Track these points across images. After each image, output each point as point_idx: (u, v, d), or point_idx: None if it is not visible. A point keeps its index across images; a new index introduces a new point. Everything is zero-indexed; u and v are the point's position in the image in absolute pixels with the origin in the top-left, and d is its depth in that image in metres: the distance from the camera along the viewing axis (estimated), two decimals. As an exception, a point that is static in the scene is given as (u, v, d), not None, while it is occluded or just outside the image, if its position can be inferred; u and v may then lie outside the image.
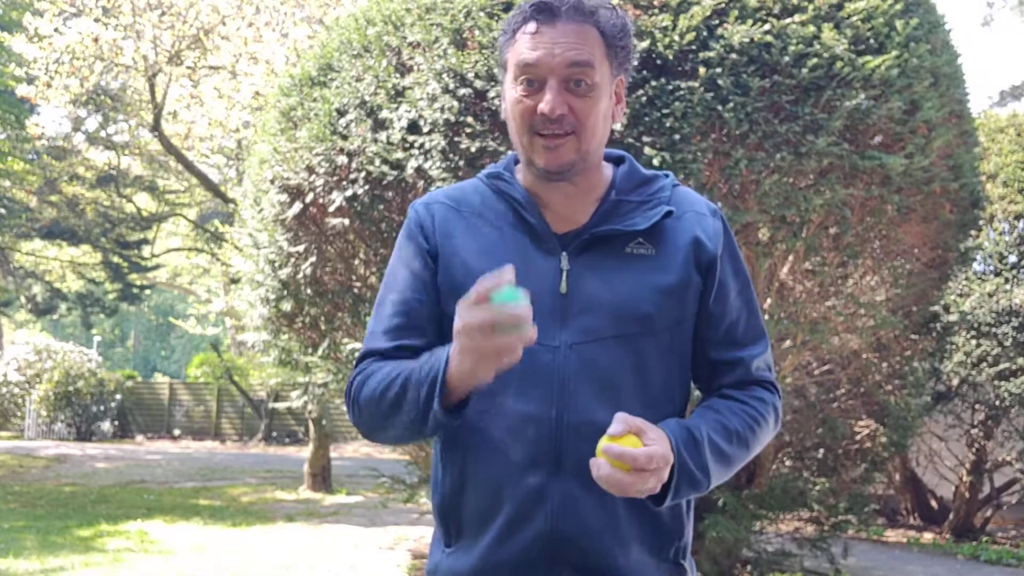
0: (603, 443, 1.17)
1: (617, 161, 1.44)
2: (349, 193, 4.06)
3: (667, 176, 1.43)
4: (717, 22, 3.55)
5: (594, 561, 1.29)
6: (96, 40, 10.00)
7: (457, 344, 1.16)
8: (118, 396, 20.25)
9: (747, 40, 3.47)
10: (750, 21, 3.51)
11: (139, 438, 20.71)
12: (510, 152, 1.46)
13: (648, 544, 1.32)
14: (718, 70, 3.48)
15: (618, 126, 3.51)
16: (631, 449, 1.16)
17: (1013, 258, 7.52)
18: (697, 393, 1.49)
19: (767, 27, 3.49)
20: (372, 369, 1.35)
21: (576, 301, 1.31)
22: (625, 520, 1.30)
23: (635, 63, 1.43)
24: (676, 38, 3.49)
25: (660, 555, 1.34)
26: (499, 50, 1.37)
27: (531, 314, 1.10)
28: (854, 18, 3.60)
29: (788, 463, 5.49)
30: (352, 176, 4.07)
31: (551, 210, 1.37)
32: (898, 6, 3.65)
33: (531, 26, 1.30)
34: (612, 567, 1.30)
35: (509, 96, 1.34)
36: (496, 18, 3.67)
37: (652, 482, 1.18)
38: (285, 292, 4.78)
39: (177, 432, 21.19)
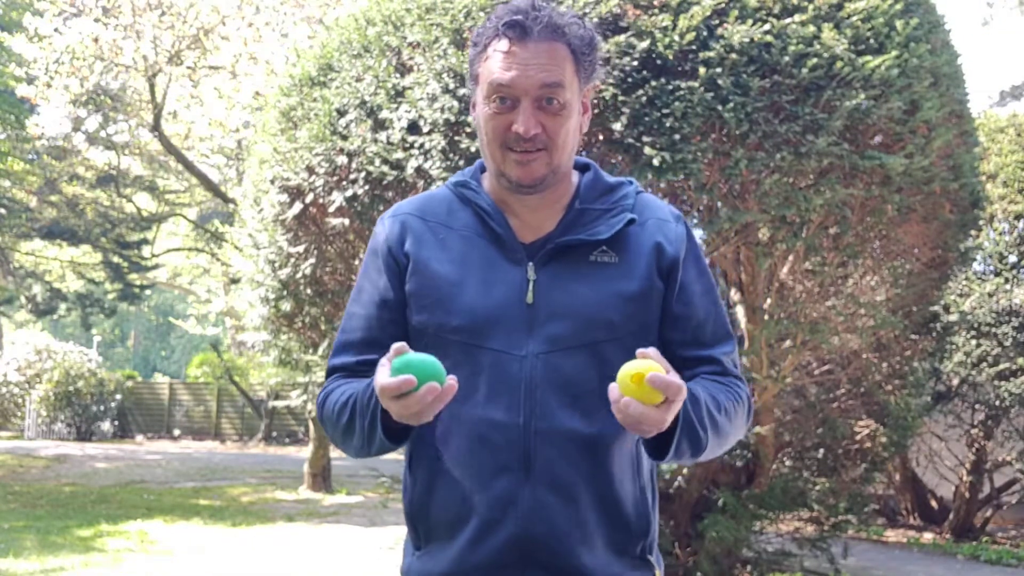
0: (641, 372, 1.16)
1: (583, 169, 1.46)
2: (349, 193, 4.06)
3: (631, 183, 1.46)
4: (717, 22, 3.55)
5: (562, 561, 1.32)
6: (96, 40, 10.01)
7: None
8: (118, 396, 20.26)
9: (747, 40, 3.47)
10: (750, 21, 3.51)
11: (139, 438, 20.71)
12: (477, 160, 1.48)
13: (614, 542, 1.35)
14: (718, 70, 3.48)
15: (618, 126, 3.51)
16: (674, 378, 1.16)
17: (1013, 258, 7.52)
18: None
19: (767, 27, 3.49)
20: (331, 388, 1.40)
21: (542, 310, 1.34)
22: (592, 521, 1.33)
23: (601, 74, 1.46)
24: (676, 38, 3.49)
25: (627, 552, 1.37)
26: (470, 60, 1.40)
27: (413, 385, 1.16)
28: (854, 18, 3.60)
29: (788, 463, 5.49)
30: (352, 176, 4.07)
31: (518, 219, 1.40)
32: (898, 6, 3.65)
33: (503, 44, 1.32)
34: (580, 566, 1.33)
35: (481, 110, 1.37)
36: (496, 18, 3.67)
37: (669, 417, 1.18)
38: (285, 292, 4.78)
39: (177, 432, 21.19)
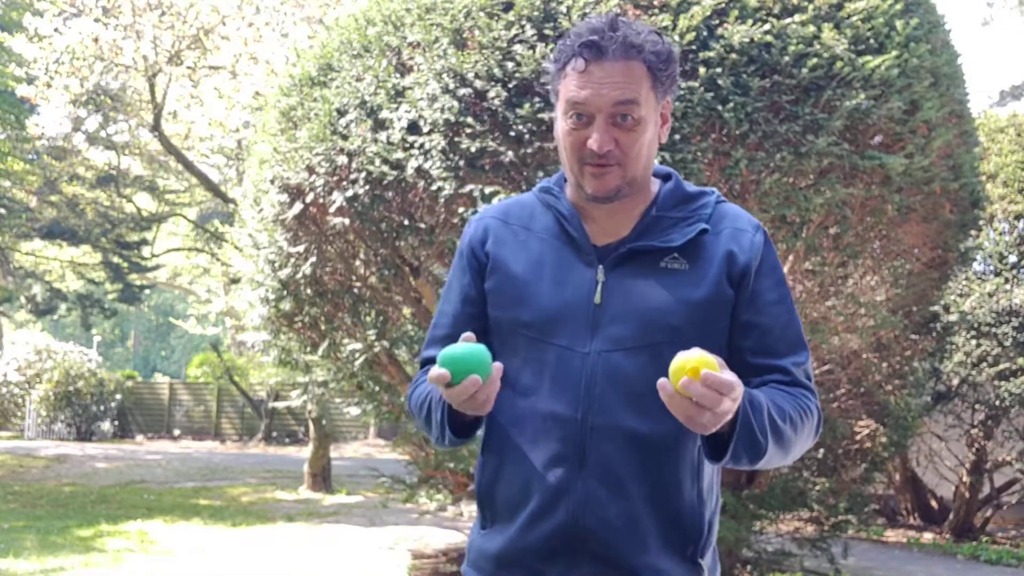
0: (696, 366, 1.16)
1: (665, 178, 1.52)
2: (349, 193, 4.06)
3: (713, 193, 1.50)
4: (717, 22, 3.55)
5: (613, 554, 1.36)
6: (96, 40, 10.00)
7: None
8: (118, 396, 20.24)
9: (747, 40, 3.47)
10: (750, 21, 3.51)
11: (139, 438, 20.70)
12: (561, 170, 1.54)
13: (667, 541, 1.38)
14: (718, 70, 3.48)
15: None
16: (730, 377, 1.17)
17: (1013, 258, 7.52)
18: None
19: (767, 27, 3.49)
20: (418, 382, 1.54)
21: (608, 311, 1.40)
22: (644, 518, 1.37)
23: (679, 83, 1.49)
24: (676, 38, 3.49)
25: (678, 553, 1.39)
26: (551, 77, 1.46)
27: (447, 379, 1.27)
28: (854, 18, 3.60)
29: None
30: (352, 176, 4.07)
31: (594, 223, 1.46)
32: (898, 6, 3.65)
33: (579, 64, 1.37)
34: (630, 561, 1.36)
35: (560, 126, 1.43)
36: (496, 18, 3.67)
37: (709, 417, 1.17)
38: (285, 292, 4.78)
39: (177, 432, 21.19)
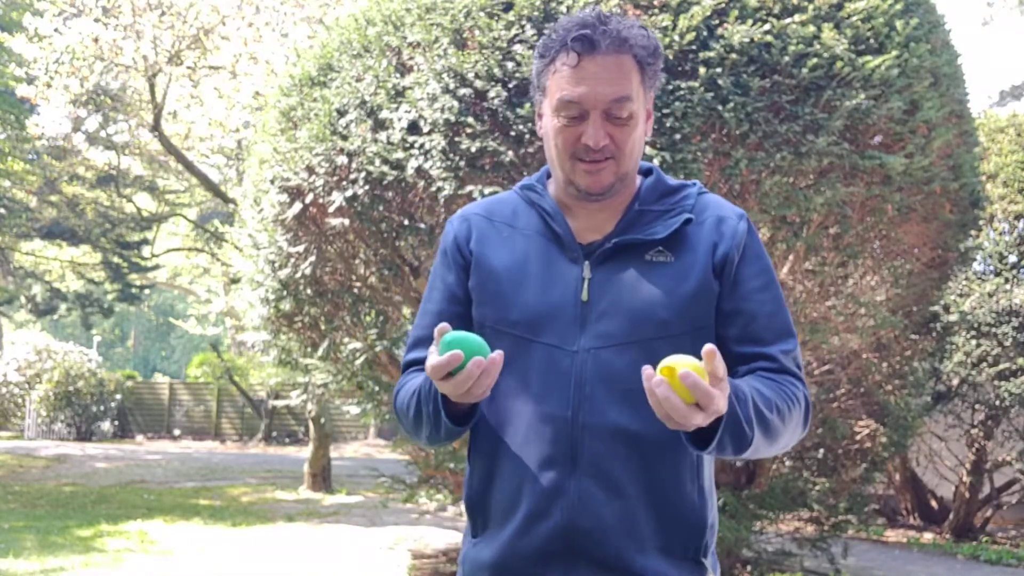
0: (679, 367, 1.14)
1: (646, 173, 1.50)
2: (349, 193, 4.06)
3: (694, 185, 1.48)
4: (717, 22, 3.55)
5: (610, 555, 1.33)
6: (96, 40, 10.00)
7: None
8: (118, 396, 20.25)
9: (747, 40, 3.47)
10: (750, 21, 3.51)
11: (139, 438, 20.70)
12: (543, 167, 1.53)
13: (666, 541, 1.35)
14: (718, 70, 3.48)
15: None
16: (705, 385, 1.13)
17: (1013, 258, 7.52)
18: None
19: (767, 27, 3.49)
20: (402, 383, 1.47)
21: (596, 308, 1.37)
22: (642, 517, 1.34)
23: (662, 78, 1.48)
24: (676, 38, 3.49)
25: (679, 553, 1.36)
26: (537, 72, 1.43)
27: (461, 360, 1.21)
28: (854, 18, 3.59)
29: (788, 463, 5.49)
30: (352, 176, 4.07)
31: (578, 220, 1.44)
32: (898, 6, 3.65)
33: (572, 58, 1.35)
34: (629, 563, 1.33)
35: (550, 122, 1.40)
36: (496, 18, 3.67)
37: (699, 419, 1.15)
38: (285, 292, 4.78)
39: (177, 432, 21.19)
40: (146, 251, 20.42)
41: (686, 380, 1.12)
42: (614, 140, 1.36)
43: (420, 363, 1.45)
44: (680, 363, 1.15)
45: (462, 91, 3.67)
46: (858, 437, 5.52)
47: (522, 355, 1.38)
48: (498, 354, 1.23)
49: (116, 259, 19.30)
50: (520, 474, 1.37)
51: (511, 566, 1.37)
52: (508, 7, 3.70)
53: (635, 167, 1.42)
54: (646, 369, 1.16)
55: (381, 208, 4.11)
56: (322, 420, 10.93)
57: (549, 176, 1.51)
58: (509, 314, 1.40)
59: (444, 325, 1.25)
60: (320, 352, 4.88)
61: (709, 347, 1.15)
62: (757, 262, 1.42)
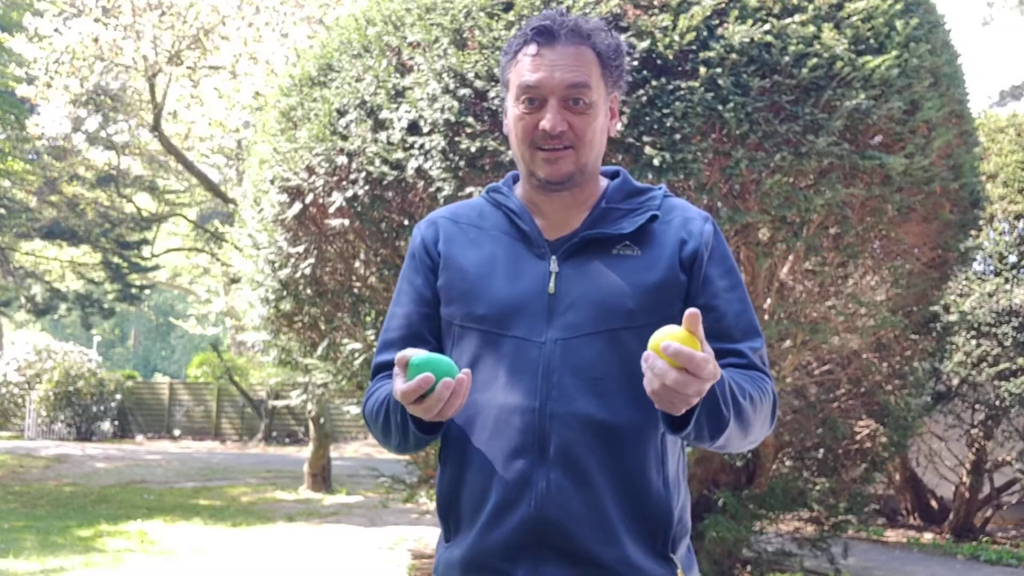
0: (663, 341, 1.14)
1: (613, 176, 1.53)
2: (349, 193, 4.06)
3: (660, 188, 1.51)
4: (717, 22, 3.55)
5: (578, 547, 1.32)
6: (96, 40, 10.00)
7: None
8: (118, 396, 20.25)
9: (747, 40, 3.47)
10: (750, 21, 3.51)
11: (139, 438, 20.71)
12: (510, 172, 1.56)
13: (634, 533, 1.34)
14: (718, 70, 3.48)
15: (619, 127, 3.51)
16: (690, 350, 1.13)
17: (1013, 258, 7.52)
18: None
19: (767, 27, 3.49)
20: (372, 389, 1.48)
21: (563, 300, 1.39)
22: (611, 508, 1.33)
23: (628, 80, 1.50)
24: (676, 38, 3.49)
25: (647, 546, 1.35)
26: (502, 69, 1.48)
27: (432, 382, 1.20)
28: (854, 18, 3.59)
29: (788, 463, 5.49)
30: (352, 176, 4.07)
31: (545, 218, 1.46)
32: (898, 6, 3.65)
33: (532, 48, 1.40)
34: (597, 555, 1.32)
35: (511, 113, 1.44)
36: (496, 18, 3.67)
37: (694, 387, 1.14)
38: (285, 292, 4.78)
39: (177, 432, 21.19)
40: (146, 251, 20.44)
41: (667, 350, 1.13)
42: (573, 128, 1.38)
43: (389, 367, 1.45)
44: (666, 335, 1.15)
45: (462, 91, 3.67)
46: (858, 437, 5.52)
47: (491, 350, 1.39)
48: (465, 373, 1.23)
49: (116, 259, 19.31)
50: (488, 469, 1.36)
51: (481, 561, 1.37)
52: (508, 7, 3.70)
53: (596, 159, 1.44)
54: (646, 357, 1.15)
55: (381, 208, 4.10)
56: (322, 420, 10.93)
57: (516, 181, 1.54)
58: (476, 309, 1.41)
59: (406, 352, 1.24)
60: (320, 352, 4.88)
61: (692, 311, 1.15)
62: (723, 263, 1.45)
